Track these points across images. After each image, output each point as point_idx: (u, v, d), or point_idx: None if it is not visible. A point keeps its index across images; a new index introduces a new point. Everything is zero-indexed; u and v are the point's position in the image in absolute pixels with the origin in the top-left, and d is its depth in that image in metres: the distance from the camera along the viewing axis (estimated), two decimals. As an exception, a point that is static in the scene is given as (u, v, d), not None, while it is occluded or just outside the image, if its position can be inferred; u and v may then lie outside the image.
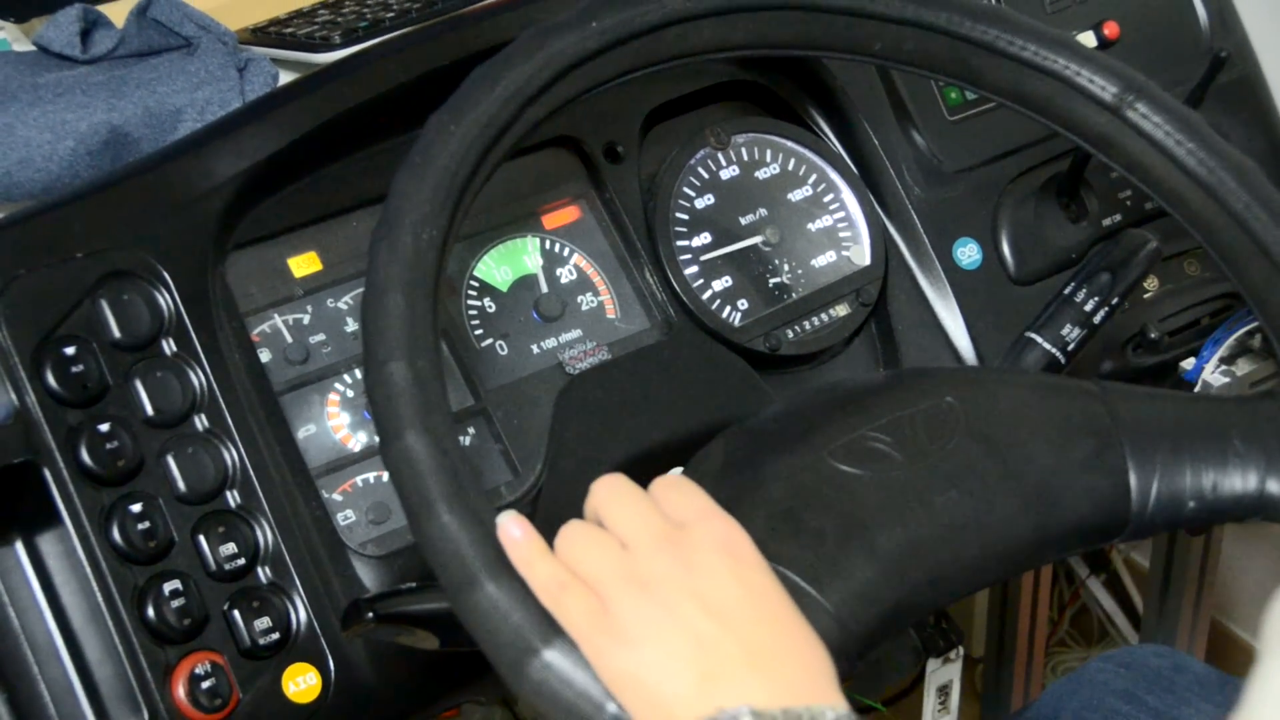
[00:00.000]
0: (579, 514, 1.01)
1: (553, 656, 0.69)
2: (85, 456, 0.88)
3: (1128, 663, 1.21)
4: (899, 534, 0.84)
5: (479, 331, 1.04)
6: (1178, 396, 0.91)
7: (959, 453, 0.87)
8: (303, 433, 0.98)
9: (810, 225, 1.15)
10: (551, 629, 0.70)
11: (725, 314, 1.10)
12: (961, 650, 1.11)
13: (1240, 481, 0.87)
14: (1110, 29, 1.25)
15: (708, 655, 0.67)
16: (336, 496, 0.97)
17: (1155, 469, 0.88)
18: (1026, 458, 0.87)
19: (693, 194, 1.13)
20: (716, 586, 0.70)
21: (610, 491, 0.76)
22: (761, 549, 0.74)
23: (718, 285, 1.11)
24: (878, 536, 0.83)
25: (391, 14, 1.16)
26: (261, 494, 0.92)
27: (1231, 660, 1.76)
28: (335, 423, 0.99)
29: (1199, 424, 0.88)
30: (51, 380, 0.89)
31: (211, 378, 0.93)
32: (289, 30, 1.18)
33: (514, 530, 0.72)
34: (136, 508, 0.89)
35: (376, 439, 0.76)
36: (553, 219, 1.10)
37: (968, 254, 1.17)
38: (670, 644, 0.68)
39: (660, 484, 0.78)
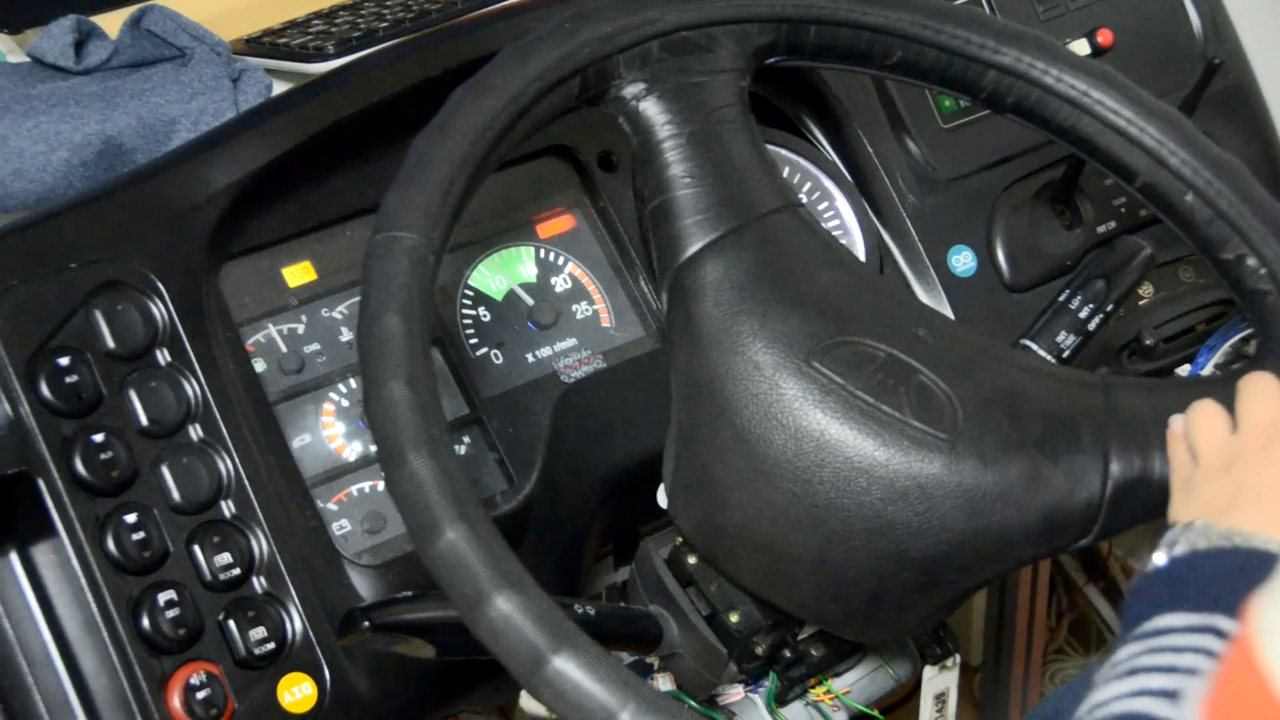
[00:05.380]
0: (573, 522, 1.01)
1: (563, 663, 0.70)
2: (79, 467, 0.88)
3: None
4: None
5: (474, 340, 1.04)
6: (1179, 383, 0.91)
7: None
8: (298, 442, 0.98)
9: (805, 233, 1.15)
10: (559, 637, 0.70)
11: (720, 322, 1.10)
12: (958, 658, 1.10)
13: None
14: (1104, 36, 1.25)
15: None
16: (332, 506, 0.97)
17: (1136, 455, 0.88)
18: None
19: (687, 202, 1.12)
20: None
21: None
22: None
23: (713, 293, 1.10)
24: None
25: (385, 24, 1.16)
26: (256, 504, 0.92)
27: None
28: (330, 432, 0.99)
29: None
30: (45, 391, 0.88)
31: (206, 388, 0.93)
32: (283, 40, 1.18)
33: None
34: (131, 518, 0.89)
35: (372, 448, 0.76)
36: (547, 228, 1.10)
37: (962, 261, 1.17)
38: None
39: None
